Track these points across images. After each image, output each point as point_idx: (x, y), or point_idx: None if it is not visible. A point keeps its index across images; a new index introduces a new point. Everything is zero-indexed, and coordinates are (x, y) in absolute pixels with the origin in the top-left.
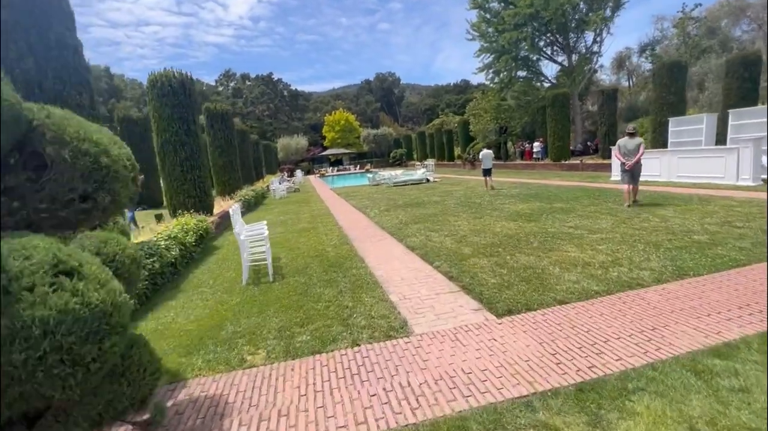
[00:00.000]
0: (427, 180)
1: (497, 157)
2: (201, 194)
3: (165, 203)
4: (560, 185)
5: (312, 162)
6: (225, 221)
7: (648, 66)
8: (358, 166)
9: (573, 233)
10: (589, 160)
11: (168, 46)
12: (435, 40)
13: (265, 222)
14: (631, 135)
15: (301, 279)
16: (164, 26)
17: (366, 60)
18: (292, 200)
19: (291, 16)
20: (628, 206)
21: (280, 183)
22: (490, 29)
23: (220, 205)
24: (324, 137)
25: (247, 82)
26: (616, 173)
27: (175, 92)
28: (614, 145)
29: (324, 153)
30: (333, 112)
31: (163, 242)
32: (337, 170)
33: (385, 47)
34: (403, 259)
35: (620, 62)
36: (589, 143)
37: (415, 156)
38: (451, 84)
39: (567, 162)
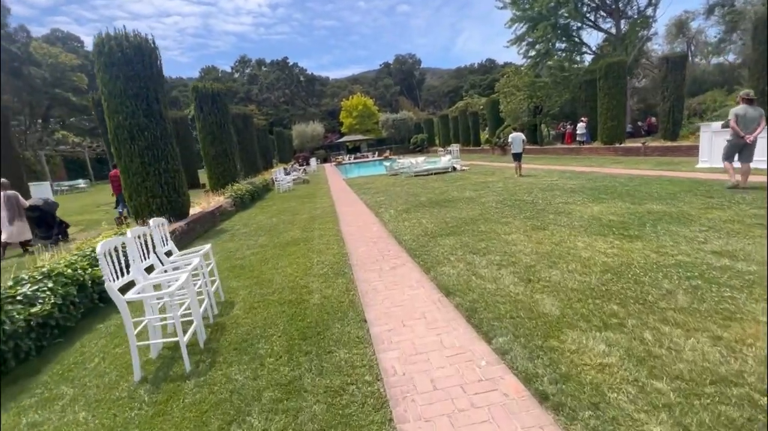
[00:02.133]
0: (454, 169)
1: (532, 140)
2: (169, 193)
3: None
4: (628, 174)
5: (329, 149)
6: (199, 227)
7: (713, 32)
8: (377, 153)
9: (732, 267)
10: (653, 142)
11: (189, 37)
12: (456, 20)
13: (206, 248)
14: (750, 102)
15: (240, 372)
16: (184, 16)
17: (385, 45)
18: (297, 195)
19: (309, 2)
20: (733, 187)
21: (287, 173)
22: None
23: (208, 202)
24: (341, 123)
25: (263, 68)
26: (705, 158)
27: (128, 61)
28: (683, 125)
29: (341, 140)
30: (350, 96)
31: (26, 289)
32: (354, 158)
33: (405, 30)
34: (432, 318)
35: (679, 27)
36: (640, 123)
37: (437, 142)
38: (476, 64)
39: (623, 146)
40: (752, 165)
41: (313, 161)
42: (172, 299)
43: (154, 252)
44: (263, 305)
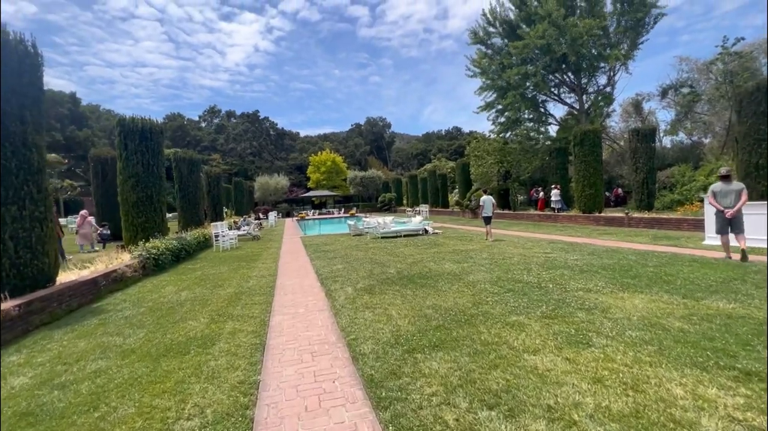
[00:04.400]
0: (426, 232)
1: (504, 205)
2: (18, 252)
3: None
4: (632, 248)
5: (293, 204)
6: (62, 303)
7: (665, 116)
8: (343, 210)
9: None
10: (636, 213)
11: (162, 87)
12: (424, 94)
13: None
14: (726, 179)
15: None
16: (161, 68)
17: (357, 109)
18: (237, 255)
19: (286, 66)
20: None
21: (237, 227)
22: (494, 66)
23: (109, 262)
24: (308, 178)
25: (233, 120)
26: (711, 233)
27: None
28: (650, 196)
29: (307, 194)
30: (320, 152)
31: None
32: (319, 214)
33: (376, 98)
34: None
35: (636, 107)
36: (607, 194)
37: (405, 201)
38: (443, 131)
39: (603, 215)
40: (750, 244)
41: (272, 214)
42: None
43: None
44: None
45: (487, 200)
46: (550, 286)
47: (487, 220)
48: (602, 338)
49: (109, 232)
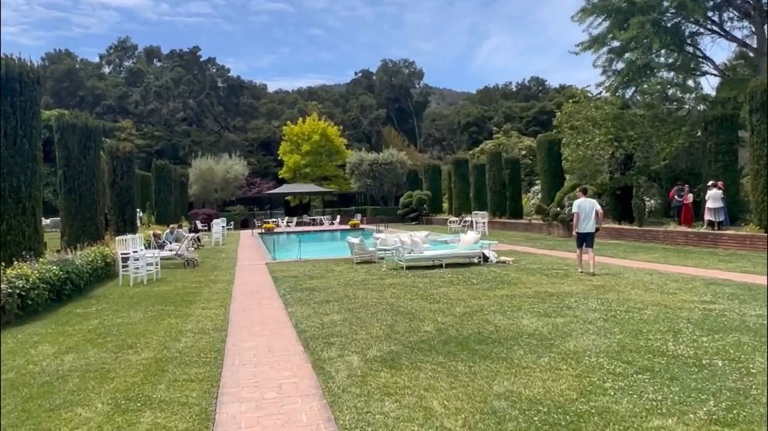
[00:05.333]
0: (485, 259)
1: (620, 214)
2: None
3: None
4: None
5: (255, 206)
6: None
7: None
8: (338, 218)
9: None
10: None
11: (40, 7)
12: (478, 21)
13: None
14: None
15: None
16: None
17: (364, 46)
18: (159, 293)
19: None
20: None
21: (160, 245)
22: None
23: None
24: (281, 163)
25: (155, 62)
26: None
27: None
28: None
29: (278, 190)
30: (301, 119)
31: None
32: (298, 224)
33: (397, 28)
34: None
35: None
36: None
37: (447, 205)
38: (512, 85)
39: None
40: None
41: (219, 223)
42: None
43: None
44: None
45: (586, 206)
46: (719, 363)
47: (585, 240)
48: None
49: None
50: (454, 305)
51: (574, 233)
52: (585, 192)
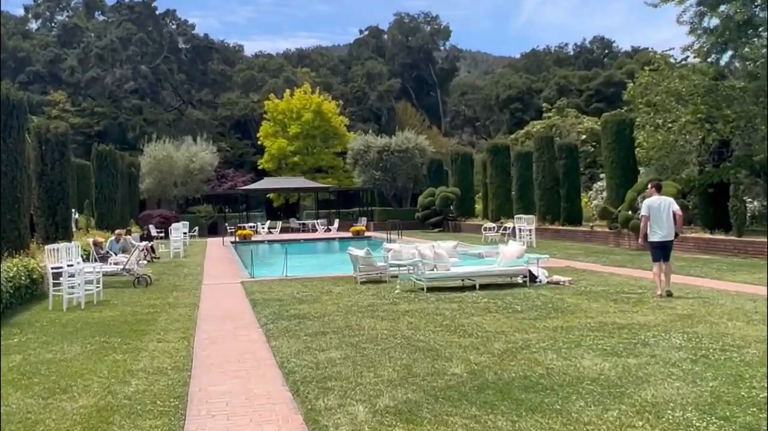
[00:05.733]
0: (532, 278)
1: (714, 220)
2: None
3: None
4: None
5: (227, 206)
6: None
7: None
8: (336, 222)
9: None
10: None
11: None
12: None
13: None
14: None
15: None
16: None
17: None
18: (102, 319)
19: None
20: None
21: (102, 257)
22: None
23: None
24: (261, 149)
25: (98, 15)
26: None
27: None
28: None
29: (257, 186)
30: (288, 90)
31: None
32: (283, 230)
33: None
34: None
35: None
36: None
37: (480, 207)
38: (569, 47)
39: None
40: None
41: (179, 229)
42: None
43: None
44: None
45: (660, 206)
46: None
47: (662, 250)
48: None
49: None
50: (491, 340)
51: (640, 242)
52: (659, 189)
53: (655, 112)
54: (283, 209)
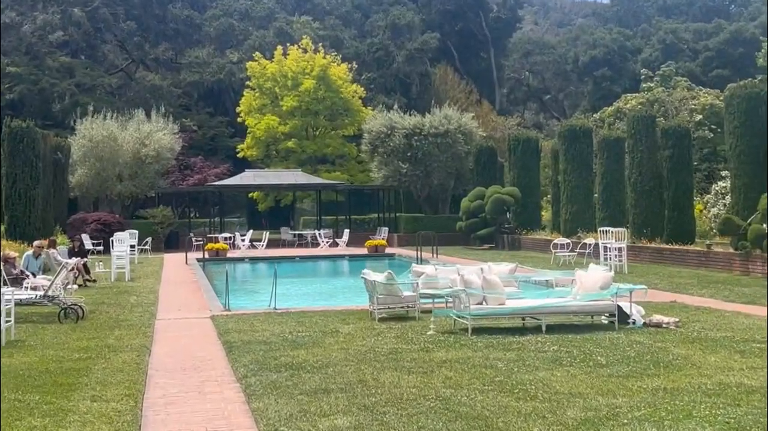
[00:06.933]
0: (624, 318)
1: None
2: None
3: None
4: None
5: (193, 208)
6: None
7: None
8: (346, 233)
9: None
10: None
11: None
12: None
13: None
14: None
15: None
16: None
17: None
18: (11, 367)
19: None
20: None
21: (15, 278)
22: None
23: None
24: (242, 130)
25: None
26: None
27: None
28: None
29: (236, 181)
30: (280, 48)
31: None
32: (268, 241)
33: None
34: None
35: None
36: None
37: (549, 215)
38: None
39: None
40: None
41: (125, 240)
42: None
43: None
44: None
45: None
46: None
47: None
48: None
49: None
50: (563, 406)
51: None
52: None
53: None
54: (273, 214)
